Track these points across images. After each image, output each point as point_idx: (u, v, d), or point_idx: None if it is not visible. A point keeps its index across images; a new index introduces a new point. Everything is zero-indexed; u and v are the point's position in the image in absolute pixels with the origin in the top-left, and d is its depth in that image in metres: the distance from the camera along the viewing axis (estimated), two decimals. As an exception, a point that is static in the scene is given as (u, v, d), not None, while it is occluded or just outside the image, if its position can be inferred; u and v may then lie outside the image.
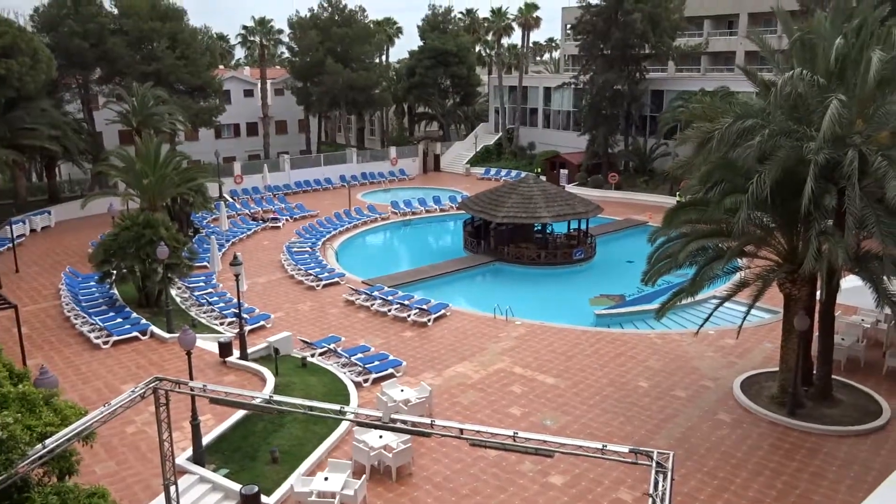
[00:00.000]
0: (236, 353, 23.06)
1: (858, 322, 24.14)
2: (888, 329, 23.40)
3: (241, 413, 18.74)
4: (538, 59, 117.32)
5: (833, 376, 20.16)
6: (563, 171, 54.34)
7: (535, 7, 62.54)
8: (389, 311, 27.74)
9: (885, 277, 17.41)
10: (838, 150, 16.46)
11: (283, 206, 47.86)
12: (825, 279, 17.84)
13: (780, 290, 19.24)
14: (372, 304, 28.49)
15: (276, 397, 12.07)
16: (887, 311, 17.89)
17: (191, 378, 15.89)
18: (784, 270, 18.60)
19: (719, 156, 18.05)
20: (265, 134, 63.95)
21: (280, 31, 63.52)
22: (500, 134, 65.03)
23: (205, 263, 33.84)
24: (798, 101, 17.71)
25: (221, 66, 71.98)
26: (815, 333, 20.34)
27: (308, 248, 37.09)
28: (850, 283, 20.53)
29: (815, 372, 20.12)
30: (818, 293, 19.31)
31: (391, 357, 23.00)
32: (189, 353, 16.67)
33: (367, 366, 22.10)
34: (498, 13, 64.53)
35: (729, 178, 18.21)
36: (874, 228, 15.96)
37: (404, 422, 11.37)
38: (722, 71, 59.86)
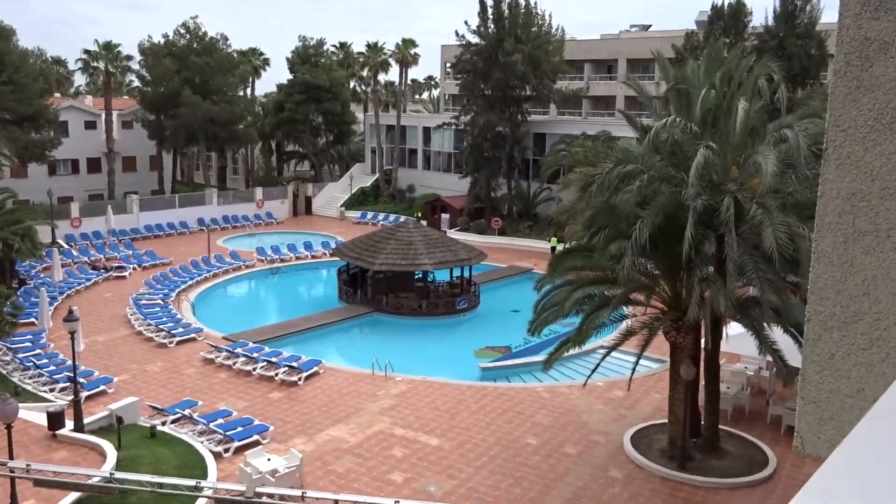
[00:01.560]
0: (70, 424, 21.47)
1: (742, 370, 25.84)
2: (770, 376, 25.20)
3: (73, 495, 17.35)
4: (417, 97, 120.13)
5: (720, 426, 21.40)
6: (445, 216, 55.32)
7: (413, 44, 64.11)
8: (255, 369, 26.89)
9: (765, 324, 18.85)
10: (715, 196, 17.86)
11: (129, 252, 45.70)
12: (709, 326, 19.08)
13: (666, 339, 20.34)
14: (234, 363, 27.52)
15: (119, 474, 11.30)
16: (769, 358, 19.29)
17: (10, 457, 14.58)
18: (669, 318, 19.72)
19: (602, 200, 19.09)
20: (110, 171, 61.00)
21: (129, 58, 61.47)
22: (378, 175, 65.56)
23: (32, 320, 31.70)
24: (676, 148, 19.14)
25: (58, 94, 68.64)
26: (702, 382, 21.58)
27: (159, 301, 35.48)
28: (734, 331, 22.06)
29: (702, 422, 21.28)
30: (703, 341, 20.57)
31: (256, 422, 22.20)
32: (9, 427, 15.32)
33: (228, 433, 21.19)
34: (374, 48, 65.60)
35: (612, 223, 19.25)
36: (753, 275, 17.33)
37: (271, 495, 10.95)
38: (603, 115, 63.49)
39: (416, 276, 37.83)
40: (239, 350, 28.35)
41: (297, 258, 46.35)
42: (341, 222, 59.74)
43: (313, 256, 46.89)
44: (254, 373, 26.83)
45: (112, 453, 19.60)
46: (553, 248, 46.69)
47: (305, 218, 61.79)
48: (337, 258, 39.77)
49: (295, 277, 44.54)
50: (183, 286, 38.88)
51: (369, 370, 27.28)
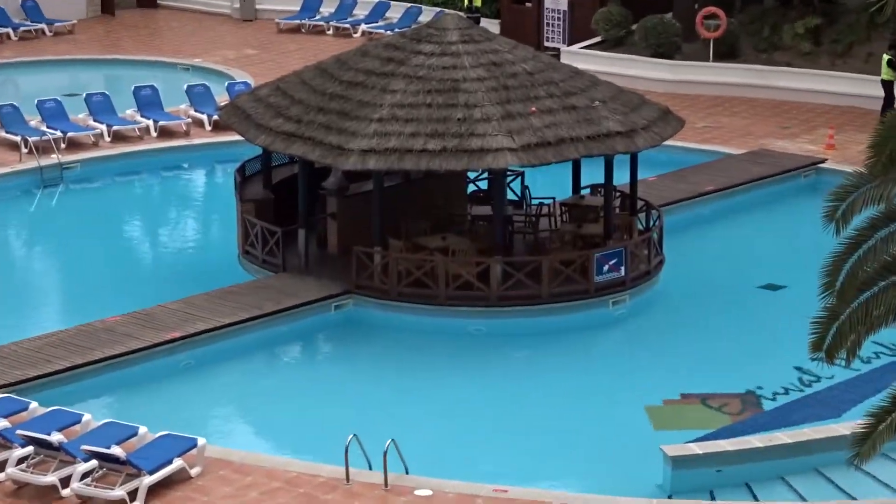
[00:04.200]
0: None
1: None
2: None
3: None
4: None
5: None
6: (556, 6, 55.83)
7: None
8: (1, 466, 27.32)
9: None
10: None
11: None
12: None
13: None
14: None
15: None
16: None
17: None
18: None
19: None
20: None
21: None
22: None
23: None
24: None
25: None
26: None
27: None
28: None
29: None
30: None
31: None
32: None
33: None
34: None
35: None
36: None
37: None
38: None
39: (473, 189, 38.70)
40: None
41: (117, 136, 47.25)
42: (247, 28, 60.44)
43: (163, 131, 47.87)
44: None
45: None
46: (891, 86, 47.47)
47: (138, 17, 62.66)
48: (237, 137, 40.10)
49: (113, 194, 45.59)
50: None
51: (339, 467, 27.58)
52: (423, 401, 31.57)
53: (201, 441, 27.94)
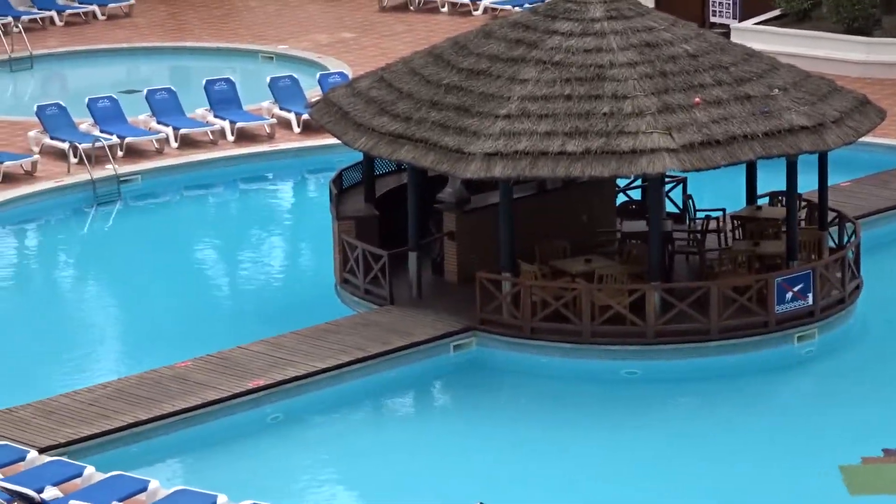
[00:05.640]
0: None
1: None
2: None
3: None
4: None
5: None
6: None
7: None
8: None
9: None
10: None
11: None
12: None
13: None
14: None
15: None
16: None
17: None
18: None
19: None
20: None
21: None
22: None
23: None
24: None
25: None
26: None
27: None
28: None
29: None
30: None
31: None
32: None
33: None
34: None
35: None
36: None
37: None
38: None
39: (623, 201, 38.63)
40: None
41: (186, 141, 47.59)
42: (342, 6, 60.85)
43: (242, 134, 48.13)
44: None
45: None
46: None
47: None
48: (332, 140, 40.14)
49: (181, 212, 45.81)
50: None
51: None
52: (564, 462, 30.83)
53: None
